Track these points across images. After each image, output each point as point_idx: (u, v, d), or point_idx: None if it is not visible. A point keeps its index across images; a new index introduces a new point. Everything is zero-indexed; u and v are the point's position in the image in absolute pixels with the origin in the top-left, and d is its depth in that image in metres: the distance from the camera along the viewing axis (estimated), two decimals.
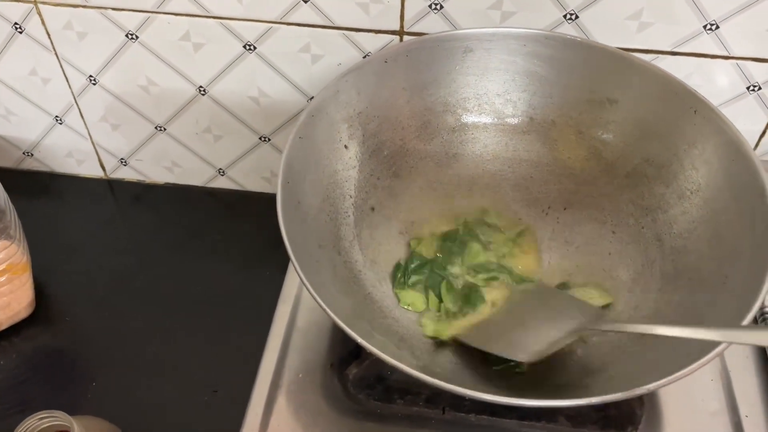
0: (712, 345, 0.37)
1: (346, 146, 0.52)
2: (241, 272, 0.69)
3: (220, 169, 0.74)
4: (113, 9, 0.61)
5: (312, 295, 0.40)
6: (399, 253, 0.53)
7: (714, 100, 0.61)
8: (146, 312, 0.65)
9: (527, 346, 0.44)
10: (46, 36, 0.64)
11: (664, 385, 0.36)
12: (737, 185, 0.46)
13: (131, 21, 0.62)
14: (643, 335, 0.45)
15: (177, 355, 0.62)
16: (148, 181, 0.77)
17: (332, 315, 0.39)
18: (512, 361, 0.44)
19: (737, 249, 0.44)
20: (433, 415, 0.47)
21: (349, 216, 0.52)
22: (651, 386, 0.36)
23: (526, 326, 0.46)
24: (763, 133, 0.64)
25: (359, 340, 0.38)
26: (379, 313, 0.48)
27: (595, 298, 0.48)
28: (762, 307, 0.52)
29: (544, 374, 0.45)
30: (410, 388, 0.47)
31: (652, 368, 0.39)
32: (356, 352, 0.48)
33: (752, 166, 0.45)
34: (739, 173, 0.46)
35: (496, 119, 0.57)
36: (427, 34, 0.57)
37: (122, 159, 0.75)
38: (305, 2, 0.58)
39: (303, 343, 0.51)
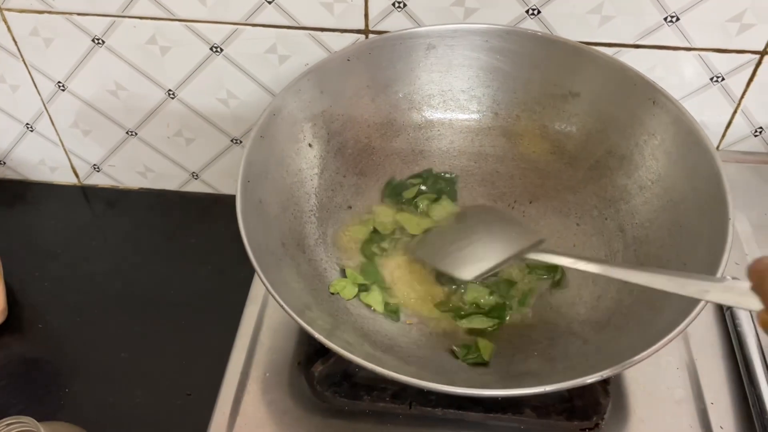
0: (666, 332, 0.37)
1: (310, 145, 0.53)
2: (215, 275, 0.69)
3: (194, 172, 0.74)
4: (78, 14, 0.61)
5: (271, 293, 0.40)
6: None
7: (679, 92, 0.62)
8: (120, 317, 0.65)
9: (469, 267, 0.47)
10: (13, 42, 0.64)
11: (617, 372, 0.36)
12: (695, 174, 0.46)
13: (97, 26, 0.62)
14: (603, 327, 0.45)
15: (151, 360, 0.62)
16: (122, 186, 0.77)
17: (290, 311, 0.39)
18: (476, 355, 0.45)
19: (695, 237, 0.44)
20: (400, 410, 0.47)
21: (314, 214, 0.52)
22: (604, 373, 0.36)
23: (471, 247, 0.49)
24: (729, 123, 0.64)
25: (317, 336, 0.38)
26: (344, 311, 0.48)
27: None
28: None
29: (508, 364, 0.45)
30: (376, 385, 0.47)
31: (610, 357, 0.39)
32: (322, 350, 0.48)
33: (709, 154, 0.45)
34: (696, 162, 0.46)
35: (461, 115, 0.57)
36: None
37: (95, 165, 0.75)
38: (269, 3, 0.59)
39: (271, 342, 0.51)
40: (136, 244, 0.72)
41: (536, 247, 0.47)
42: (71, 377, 0.61)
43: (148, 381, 0.60)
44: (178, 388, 0.59)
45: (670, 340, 0.37)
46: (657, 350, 0.36)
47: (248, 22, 0.60)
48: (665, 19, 0.57)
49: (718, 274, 0.39)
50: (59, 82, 0.67)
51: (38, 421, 0.45)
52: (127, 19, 0.61)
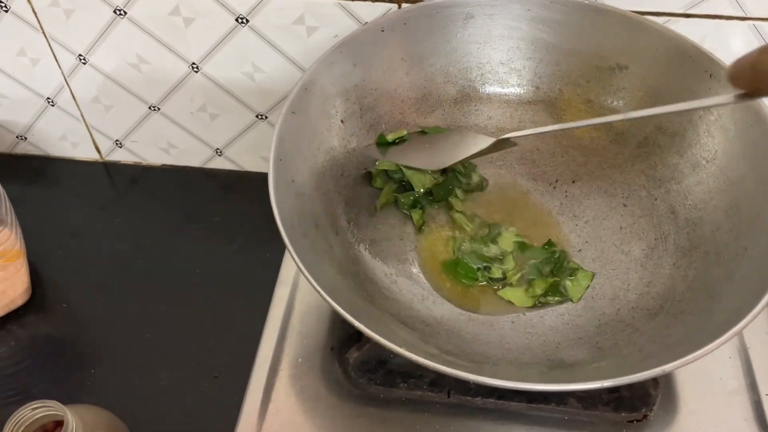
0: (730, 323, 0.35)
1: (342, 121, 0.50)
2: (240, 255, 0.67)
3: (218, 149, 0.72)
4: None
5: (306, 278, 0.38)
6: (399, 232, 0.51)
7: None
8: (145, 297, 0.64)
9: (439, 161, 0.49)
10: (33, 14, 0.62)
11: (681, 366, 0.34)
12: (756, 152, 0.43)
13: None
14: (655, 315, 0.43)
15: (176, 341, 0.61)
16: (144, 163, 0.75)
17: (328, 298, 0.37)
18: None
19: (756, 219, 0.41)
20: (437, 399, 0.45)
21: (346, 194, 0.49)
22: (667, 367, 0.34)
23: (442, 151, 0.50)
24: None
25: (357, 324, 0.36)
26: (379, 295, 0.46)
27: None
28: None
29: (553, 352, 0.43)
30: (413, 372, 0.45)
31: (667, 348, 0.37)
32: (357, 335, 0.46)
33: None
34: (757, 139, 0.43)
35: (500, 89, 0.54)
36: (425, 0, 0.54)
37: (117, 141, 0.73)
38: None
39: (302, 326, 0.49)
40: (160, 221, 0.71)
41: (503, 143, 0.47)
42: (95, 358, 0.60)
43: (174, 362, 0.59)
44: (204, 370, 0.58)
45: (740, 330, 0.34)
46: (725, 341, 0.34)
47: None
48: None
49: None
50: (80, 55, 0.64)
51: (63, 404, 0.43)
52: None
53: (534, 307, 0.46)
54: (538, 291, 0.46)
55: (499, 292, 0.46)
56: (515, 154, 0.54)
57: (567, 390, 0.34)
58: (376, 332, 0.37)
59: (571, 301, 0.46)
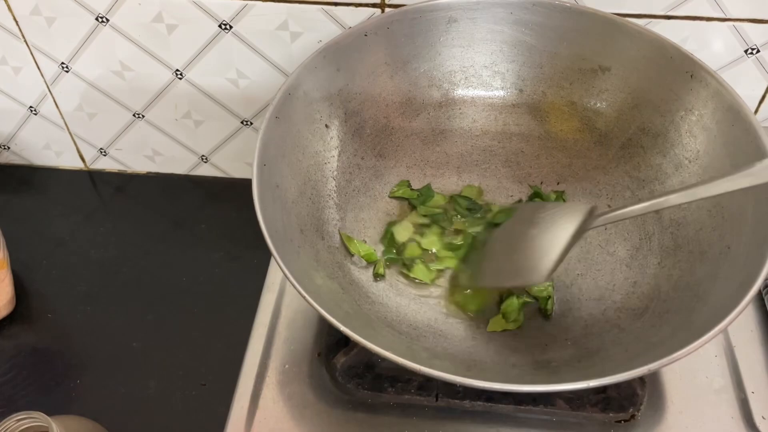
0: (714, 322, 0.35)
1: (326, 126, 0.50)
2: (227, 261, 0.67)
3: (203, 155, 0.72)
4: None
5: (291, 283, 0.38)
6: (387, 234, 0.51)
7: (711, 65, 0.59)
8: (131, 305, 0.64)
9: (537, 267, 0.42)
10: (14, 22, 0.61)
11: (665, 365, 0.34)
12: (737, 151, 0.44)
13: (100, 3, 0.59)
14: (641, 314, 0.43)
15: (164, 349, 0.60)
16: (129, 171, 0.75)
17: (313, 302, 0.37)
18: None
19: (739, 218, 0.42)
20: (425, 402, 0.45)
21: (332, 198, 0.49)
22: (652, 366, 0.34)
23: (526, 250, 0.44)
24: (763, 98, 0.61)
25: (342, 328, 0.36)
26: (366, 299, 0.46)
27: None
28: (765, 279, 0.50)
29: (541, 354, 0.43)
30: (401, 376, 0.45)
31: (653, 347, 0.37)
32: (344, 340, 0.46)
33: (753, 130, 0.42)
34: (738, 138, 0.43)
35: (483, 92, 0.55)
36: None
37: (101, 149, 0.72)
38: None
39: (289, 332, 0.49)
40: (146, 229, 0.70)
41: (593, 216, 0.42)
42: (82, 368, 0.59)
43: (161, 371, 0.58)
44: (192, 379, 0.58)
45: (724, 329, 0.34)
46: (709, 340, 0.34)
47: None
48: None
49: None
50: (63, 63, 0.64)
51: (49, 414, 0.43)
52: None
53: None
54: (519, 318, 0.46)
55: (489, 328, 0.46)
56: (500, 157, 0.55)
57: (552, 391, 0.34)
58: (362, 336, 0.37)
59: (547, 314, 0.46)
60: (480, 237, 0.49)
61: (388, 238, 0.50)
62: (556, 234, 0.43)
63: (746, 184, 0.35)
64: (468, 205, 0.52)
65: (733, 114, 0.44)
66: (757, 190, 0.40)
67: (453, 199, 0.53)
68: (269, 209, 0.41)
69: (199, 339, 0.60)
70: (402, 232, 0.50)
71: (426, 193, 0.53)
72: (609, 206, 0.50)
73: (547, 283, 0.47)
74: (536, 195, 0.52)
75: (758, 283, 0.36)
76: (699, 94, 0.46)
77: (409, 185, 0.54)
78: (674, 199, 0.37)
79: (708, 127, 0.46)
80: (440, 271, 0.48)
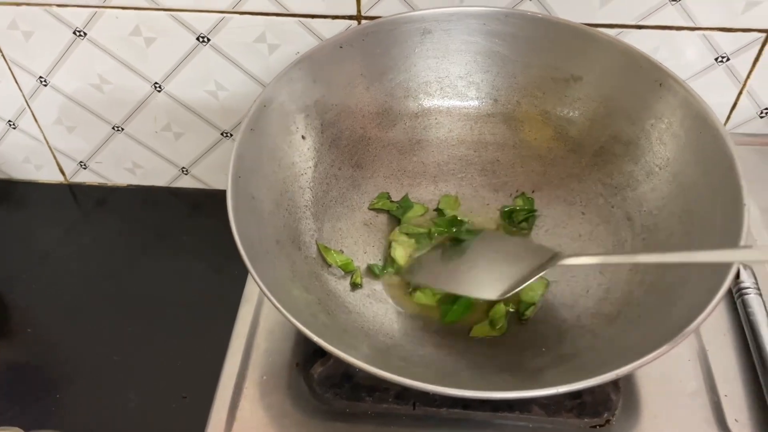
0: (683, 327, 0.36)
1: (303, 136, 0.50)
2: (209, 272, 0.67)
3: (184, 167, 0.72)
4: (57, 5, 0.58)
5: (265, 294, 0.38)
6: (364, 246, 0.51)
7: (683, 74, 0.60)
8: (112, 319, 0.63)
9: (494, 285, 0.44)
10: None
11: (633, 369, 0.34)
12: (706, 158, 0.44)
13: (78, 17, 0.59)
14: (614, 320, 0.44)
15: (145, 362, 0.60)
16: (110, 184, 0.75)
17: (286, 313, 0.37)
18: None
19: (708, 224, 0.42)
20: (403, 411, 0.45)
21: (309, 209, 0.50)
22: (620, 371, 0.34)
23: (490, 269, 0.46)
24: (734, 105, 0.62)
25: (315, 338, 0.36)
26: (342, 309, 0.46)
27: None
28: (738, 283, 0.50)
29: (517, 362, 0.43)
30: (378, 385, 0.45)
31: (624, 352, 0.37)
32: (321, 350, 0.46)
33: (720, 137, 0.43)
34: (707, 146, 0.44)
35: (459, 102, 0.55)
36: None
37: (81, 162, 0.72)
38: None
39: (267, 343, 0.49)
40: (127, 242, 0.70)
41: (555, 261, 0.44)
42: (62, 383, 0.59)
43: (142, 384, 0.58)
44: (173, 391, 0.58)
45: (691, 332, 0.35)
46: (677, 343, 0.35)
47: (235, 9, 0.58)
48: None
49: (735, 264, 0.37)
50: (41, 77, 0.64)
51: (27, 430, 0.43)
52: (108, 10, 0.58)
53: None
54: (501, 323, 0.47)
55: (472, 333, 0.46)
56: (476, 166, 0.55)
57: (522, 397, 0.34)
58: (337, 347, 0.37)
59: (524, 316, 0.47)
60: (446, 247, 0.50)
61: (390, 259, 0.51)
62: (517, 265, 0.44)
63: (702, 259, 0.36)
64: (449, 223, 0.52)
65: (700, 121, 0.45)
66: (726, 202, 0.41)
67: (437, 217, 0.53)
68: (244, 221, 0.41)
69: (181, 351, 0.60)
70: (400, 254, 0.51)
71: (405, 204, 0.54)
72: (583, 213, 0.51)
73: (539, 292, 0.47)
74: (509, 213, 0.53)
75: (724, 288, 0.37)
76: (668, 102, 0.47)
77: (389, 197, 0.54)
78: (641, 258, 0.39)
79: (677, 135, 0.47)
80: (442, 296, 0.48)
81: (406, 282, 0.49)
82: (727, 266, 0.37)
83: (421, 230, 0.51)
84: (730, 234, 0.39)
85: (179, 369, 0.59)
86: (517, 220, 0.52)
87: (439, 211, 0.54)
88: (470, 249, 0.48)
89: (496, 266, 0.46)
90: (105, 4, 0.58)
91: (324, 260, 0.49)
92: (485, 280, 0.45)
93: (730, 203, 0.41)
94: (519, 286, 0.43)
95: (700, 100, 0.45)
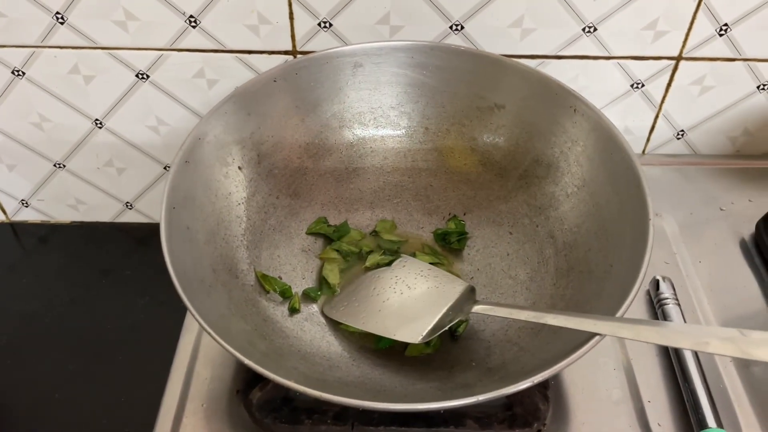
0: (592, 335, 0.38)
1: (239, 167, 0.52)
2: (152, 306, 0.67)
3: (128, 202, 0.72)
4: None
5: (198, 322, 0.39)
6: (302, 272, 0.53)
7: (603, 99, 0.64)
8: (54, 357, 0.63)
9: (414, 328, 0.45)
10: None
11: (546, 377, 0.36)
12: (617, 178, 0.47)
13: (15, 57, 0.60)
14: (538, 332, 0.46)
15: (87, 399, 0.59)
16: (53, 221, 0.74)
17: (219, 339, 0.38)
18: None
19: (619, 239, 0.45)
20: (342, 431, 0.46)
21: (246, 238, 0.51)
22: (536, 378, 0.36)
23: (409, 308, 0.47)
24: (653, 127, 0.67)
25: (246, 361, 0.37)
26: (279, 334, 0.47)
27: None
28: (658, 294, 0.53)
29: (447, 377, 0.45)
30: (317, 407, 0.46)
31: (545, 362, 0.39)
32: (260, 375, 0.47)
33: (628, 158, 0.46)
34: (617, 166, 0.47)
35: (392, 131, 0.58)
36: None
37: (23, 200, 0.72)
38: (193, 27, 0.58)
39: (208, 371, 0.49)
40: (70, 280, 0.70)
41: (470, 294, 0.47)
42: (2, 423, 0.58)
43: (85, 421, 0.58)
44: (116, 427, 0.57)
45: (594, 345, 0.37)
46: (585, 353, 0.37)
47: (173, 47, 0.59)
48: (583, 29, 0.58)
49: (641, 274, 0.40)
50: None
51: None
52: (47, 50, 0.59)
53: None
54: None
55: (407, 353, 0.48)
56: (411, 191, 0.57)
57: (443, 407, 0.36)
58: (273, 371, 0.38)
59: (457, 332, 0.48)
60: (362, 281, 0.51)
61: (324, 283, 0.52)
62: (435, 303, 0.46)
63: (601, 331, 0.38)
64: (389, 246, 0.54)
65: (612, 144, 0.48)
66: (635, 218, 0.44)
67: (376, 239, 0.55)
68: (178, 251, 0.43)
69: (123, 386, 0.60)
70: (332, 273, 0.52)
71: (342, 229, 0.55)
72: (510, 233, 0.54)
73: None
74: (443, 235, 0.55)
75: (630, 298, 0.39)
76: (582, 126, 0.50)
77: (326, 221, 0.56)
78: (549, 319, 0.40)
79: (591, 157, 0.50)
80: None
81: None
82: (633, 278, 0.40)
83: (352, 248, 0.53)
84: (637, 248, 0.42)
85: (122, 404, 0.59)
86: (450, 242, 0.54)
87: (375, 233, 0.56)
88: (387, 284, 0.49)
89: (413, 305, 0.47)
90: (43, 44, 0.59)
91: (262, 287, 0.50)
92: (405, 322, 0.46)
93: (638, 219, 0.44)
94: (439, 330, 0.45)
95: (610, 123, 0.49)
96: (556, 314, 0.40)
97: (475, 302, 0.46)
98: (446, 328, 0.45)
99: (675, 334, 0.38)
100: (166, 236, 0.42)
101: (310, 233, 0.55)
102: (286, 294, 0.50)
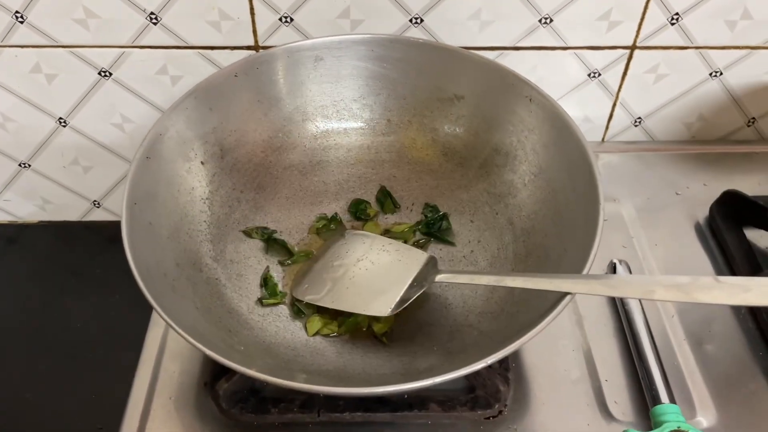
0: (543, 316, 0.39)
1: (202, 162, 0.52)
2: (123, 305, 0.67)
3: (95, 201, 0.72)
4: None
5: (161, 315, 0.39)
6: (268, 263, 0.54)
7: (562, 89, 0.65)
8: (25, 357, 0.63)
9: (383, 301, 0.46)
10: None
11: (501, 357, 0.38)
12: (571, 165, 0.49)
13: None
14: (497, 316, 0.47)
15: (59, 399, 0.60)
16: (20, 221, 0.74)
17: (180, 331, 0.39)
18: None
19: (573, 224, 0.47)
20: (309, 419, 0.47)
21: (210, 232, 0.51)
22: (489, 359, 0.37)
23: (375, 282, 0.48)
24: (611, 115, 0.68)
25: (208, 352, 0.38)
26: (244, 326, 0.48)
27: None
28: None
29: (410, 362, 0.46)
30: (284, 396, 0.47)
31: (502, 344, 0.41)
32: (226, 367, 0.48)
33: (580, 145, 0.48)
34: (571, 154, 0.49)
35: (355, 124, 0.58)
36: None
37: None
38: (155, 24, 0.58)
39: (175, 365, 0.50)
40: (40, 280, 0.70)
41: (432, 264, 0.48)
42: None
43: (57, 421, 0.58)
44: (88, 425, 0.58)
45: (545, 326, 0.39)
46: (537, 333, 0.38)
47: (135, 44, 0.59)
48: (540, 21, 0.60)
49: (591, 256, 0.41)
50: None
51: None
52: (7, 49, 0.59)
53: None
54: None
55: (375, 329, 0.49)
56: (375, 183, 0.58)
57: (401, 390, 0.37)
58: (237, 362, 0.39)
59: None
60: (326, 260, 0.51)
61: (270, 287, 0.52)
62: (400, 273, 0.48)
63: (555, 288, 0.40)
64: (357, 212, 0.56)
65: (566, 132, 0.49)
66: (587, 204, 0.45)
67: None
68: (140, 247, 0.43)
69: (95, 384, 0.60)
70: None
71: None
72: (471, 221, 0.55)
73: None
74: (427, 225, 0.55)
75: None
76: (537, 115, 0.51)
77: (326, 217, 0.56)
78: (508, 281, 0.43)
79: (547, 145, 0.51)
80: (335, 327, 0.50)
81: (297, 301, 0.50)
82: (583, 260, 0.41)
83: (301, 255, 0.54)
84: (588, 232, 0.43)
85: (94, 402, 0.59)
86: (439, 228, 0.54)
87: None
88: (351, 262, 0.50)
89: (379, 280, 0.48)
90: (3, 44, 0.59)
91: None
92: (373, 296, 0.47)
93: (590, 204, 0.45)
94: (407, 302, 0.46)
95: (564, 112, 0.50)
96: (514, 276, 0.43)
97: (438, 272, 0.47)
98: (413, 299, 0.46)
99: (623, 284, 0.40)
100: (128, 232, 0.43)
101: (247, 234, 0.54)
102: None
